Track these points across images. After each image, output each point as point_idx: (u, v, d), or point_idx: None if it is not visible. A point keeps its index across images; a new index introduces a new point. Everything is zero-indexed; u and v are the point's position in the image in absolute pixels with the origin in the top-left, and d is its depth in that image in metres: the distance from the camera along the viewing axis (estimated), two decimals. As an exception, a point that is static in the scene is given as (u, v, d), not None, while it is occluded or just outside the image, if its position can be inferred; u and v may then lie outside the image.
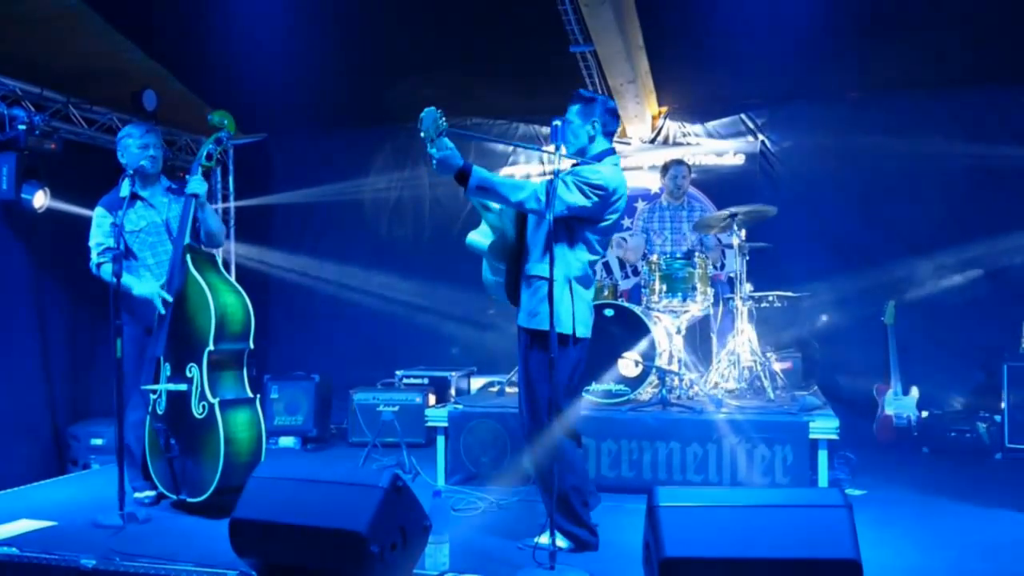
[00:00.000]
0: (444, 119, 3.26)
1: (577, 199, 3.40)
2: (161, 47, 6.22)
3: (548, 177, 3.42)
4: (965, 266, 6.28)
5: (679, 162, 6.22)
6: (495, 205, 3.58)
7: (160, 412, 4.25)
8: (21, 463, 5.49)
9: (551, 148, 3.43)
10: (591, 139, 3.62)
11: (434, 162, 3.34)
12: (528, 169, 7.32)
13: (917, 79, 6.30)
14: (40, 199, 5.47)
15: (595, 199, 3.43)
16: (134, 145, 4.45)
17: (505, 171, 7.31)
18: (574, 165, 3.58)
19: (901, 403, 5.95)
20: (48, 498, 4.66)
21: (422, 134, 3.27)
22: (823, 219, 6.67)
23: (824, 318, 6.59)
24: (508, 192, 3.39)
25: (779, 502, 2.79)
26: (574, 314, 3.48)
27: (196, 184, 4.33)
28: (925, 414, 5.93)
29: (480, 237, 3.68)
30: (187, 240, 4.28)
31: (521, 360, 3.63)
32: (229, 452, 4.03)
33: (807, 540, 2.64)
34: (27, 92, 5.55)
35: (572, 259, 3.51)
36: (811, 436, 4.45)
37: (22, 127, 5.31)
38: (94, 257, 4.41)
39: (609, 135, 3.67)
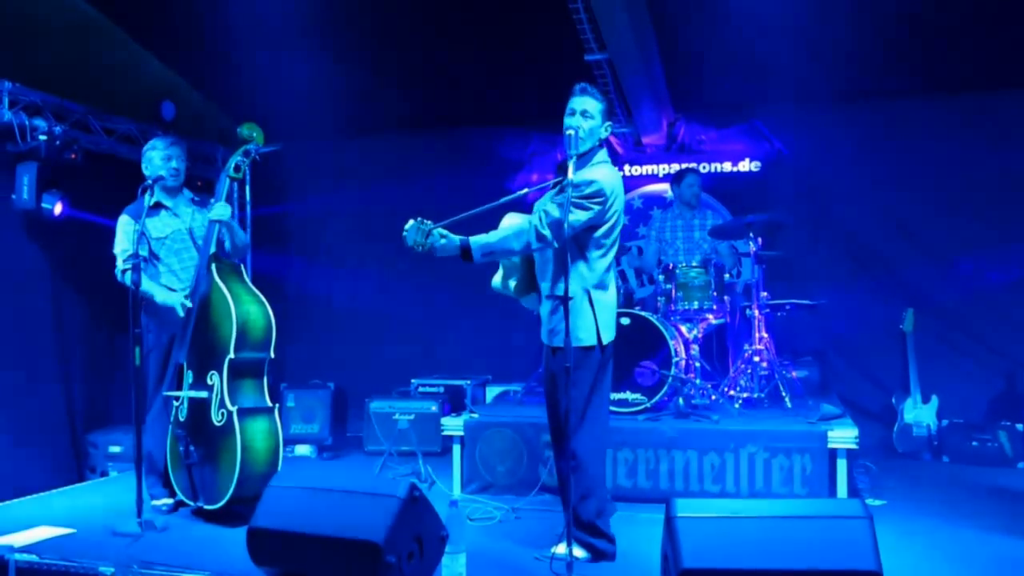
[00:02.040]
0: (425, 221, 3.34)
1: (579, 216, 3.39)
2: (179, 57, 6.28)
3: (542, 205, 3.47)
4: (985, 272, 6.22)
5: (692, 171, 6.20)
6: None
7: (182, 419, 4.27)
8: (40, 470, 5.52)
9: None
10: (600, 142, 3.60)
11: (436, 254, 3.43)
12: (542, 174, 7.31)
13: (936, 84, 6.26)
14: (60, 208, 5.53)
15: (597, 207, 3.43)
16: (157, 157, 4.53)
17: (520, 175, 7.31)
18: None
19: (921, 412, 5.90)
20: (67, 505, 4.69)
21: (411, 246, 3.34)
22: (840, 226, 6.63)
23: (841, 325, 6.54)
24: (511, 244, 3.44)
25: (799, 513, 2.78)
26: (597, 323, 3.48)
27: (220, 210, 4.36)
28: (945, 423, 5.87)
29: (500, 279, 3.79)
30: (213, 249, 4.32)
31: (545, 373, 3.65)
32: (246, 460, 4.04)
33: (828, 551, 2.62)
34: (48, 102, 5.60)
35: (586, 270, 3.50)
36: (830, 445, 4.41)
37: (43, 137, 5.38)
38: (120, 264, 4.46)
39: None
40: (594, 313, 3.49)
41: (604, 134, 3.59)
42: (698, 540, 2.67)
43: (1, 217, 5.48)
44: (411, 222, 3.35)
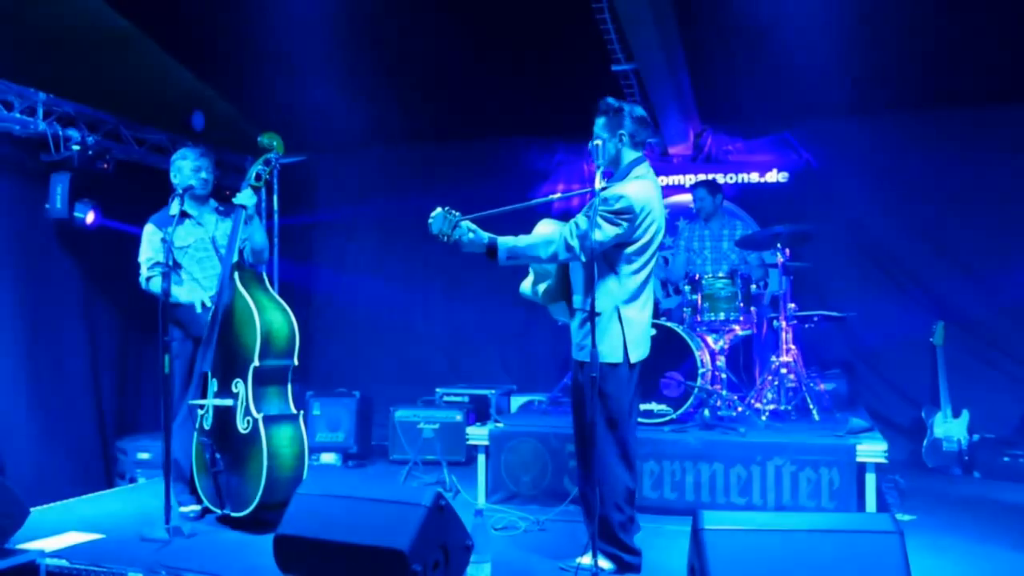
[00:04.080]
0: (453, 211, 3.31)
1: (607, 232, 3.36)
2: (209, 68, 6.36)
3: (574, 217, 3.44)
4: (1015, 284, 6.12)
5: (702, 185, 6.14)
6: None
7: (207, 427, 4.31)
8: (70, 476, 5.59)
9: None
10: (619, 152, 3.56)
11: (462, 248, 3.38)
12: (568, 183, 7.32)
13: (964, 96, 6.19)
14: (91, 217, 5.62)
15: (625, 224, 3.40)
16: (187, 167, 4.59)
17: (546, 185, 7.32)
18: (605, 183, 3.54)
19: (951, 426, 5.82)
20: (96, 511, 4.74)
21: (436, 235, 3.31)
22: (869, 237, 6.57)
23: (870, 338, 6.47)
24: (538, 251, 3.41)
25: (828, 527, 2.74)
26: (626, 342, 3.45)
27: (245, 196, 4.42)
28: (976, 438, 5.78)
29: (529, 285, 3.75)
30: (235, 258, 4.36)
31: (573, 386, 3.64)
32: (272, 467, 4.07)
33: (857, 567, 2.59)
34: (81, 113, 5.69)
35: (616, 286, 3.48)
36: (858, 459, 4.35)
37: (76, 147, 5.47)
38: (144, 272, 4.53)
39: (639, 145, 3.59)
40: (623, 330, 3.46)
41: (623, 143, 3.53)
42: (726, 553, 2.64)
43: (35, 226, 5.58)
44: (438, 210, 3.33)
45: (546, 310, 3.91)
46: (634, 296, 3.51)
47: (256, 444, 4.09)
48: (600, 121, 3.55)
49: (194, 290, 4.54)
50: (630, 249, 3.48)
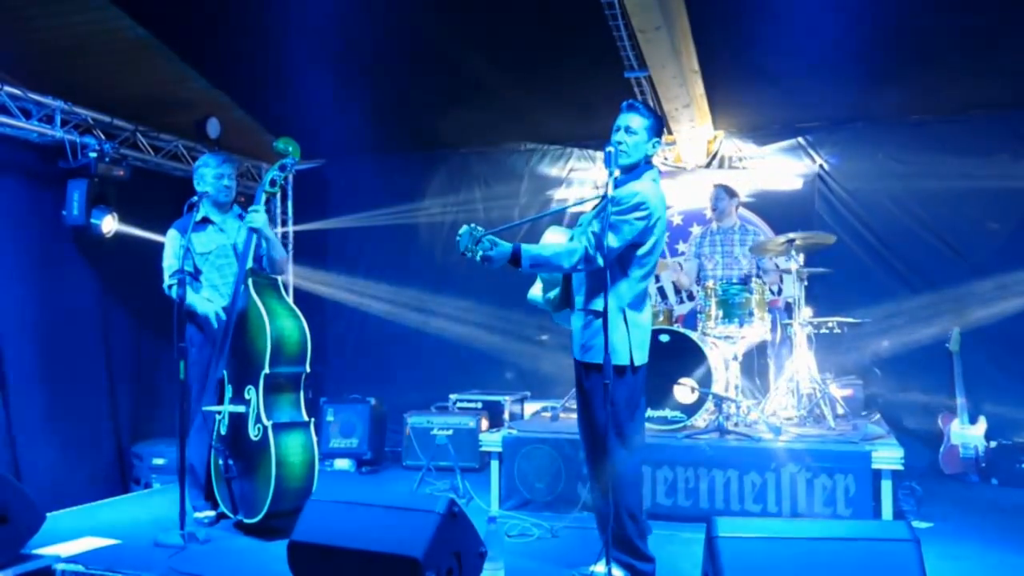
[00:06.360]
0: (477, 227, 3.32)
1: (623, 234, 3.36)
2: (223, 76, 6.40)
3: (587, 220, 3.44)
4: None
5: (716, 186, 6.16)
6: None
7: (222, 433, 4.33)
8: (86, 482, 5.63)
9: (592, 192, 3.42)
10: (647, 158, 3.57)
11: (487, 263, 3.37)
12: (581, 192, 7.30)
13: (980, 101, 6.15)
14: (108, 224, 5.68)
15: (640, 223, 3.39)
16: (210, 174, 4.62)
17: (559, 193, 7.32)
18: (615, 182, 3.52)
19: (968, 432, 5.77)
20: (111, 516, 4.77)
21: (463, 251, 3.31)
22: (884, 243, 6.52)
23: (886, 344, 6.43)
24: (560, 261, 3.40)
25: (843, 535, 2.72)
26: (631, 343, 3.44)
27: (254, 216, 4.42)
28: (993, 444, 5.73)
29: (538, 291, 3.75)
30: (250, 264, 4.38)
31: (578, 390, 3.62)
32: (280, 475, 4.07)
33: (874, 575, 2.57)
34: (98, 121, 5.74)
35: (624, 288, 3.47)
36: (874, 466, 4.33)
37: (93, 155, 5.52)
38: (167, 278, 4.54)
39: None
40: (628, 332, 3.45)
41: (651, 151, 3.54)
42: (740, 561, 2.63)
43: (52, 232, 5.63)
44: (464, 228, 3.35)
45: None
46: (638, 298, 3.50)
47: (266, 452, 4.10)
48: (644, 122, 3.53)
49: (212, 297, 4.56)
50: (641, 251, 3.47)
